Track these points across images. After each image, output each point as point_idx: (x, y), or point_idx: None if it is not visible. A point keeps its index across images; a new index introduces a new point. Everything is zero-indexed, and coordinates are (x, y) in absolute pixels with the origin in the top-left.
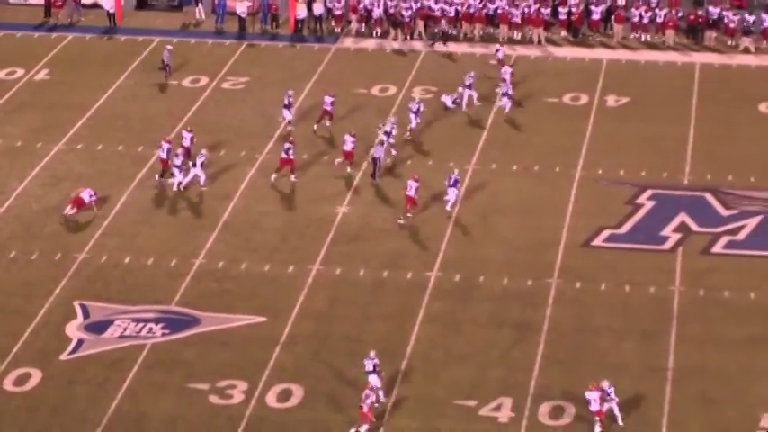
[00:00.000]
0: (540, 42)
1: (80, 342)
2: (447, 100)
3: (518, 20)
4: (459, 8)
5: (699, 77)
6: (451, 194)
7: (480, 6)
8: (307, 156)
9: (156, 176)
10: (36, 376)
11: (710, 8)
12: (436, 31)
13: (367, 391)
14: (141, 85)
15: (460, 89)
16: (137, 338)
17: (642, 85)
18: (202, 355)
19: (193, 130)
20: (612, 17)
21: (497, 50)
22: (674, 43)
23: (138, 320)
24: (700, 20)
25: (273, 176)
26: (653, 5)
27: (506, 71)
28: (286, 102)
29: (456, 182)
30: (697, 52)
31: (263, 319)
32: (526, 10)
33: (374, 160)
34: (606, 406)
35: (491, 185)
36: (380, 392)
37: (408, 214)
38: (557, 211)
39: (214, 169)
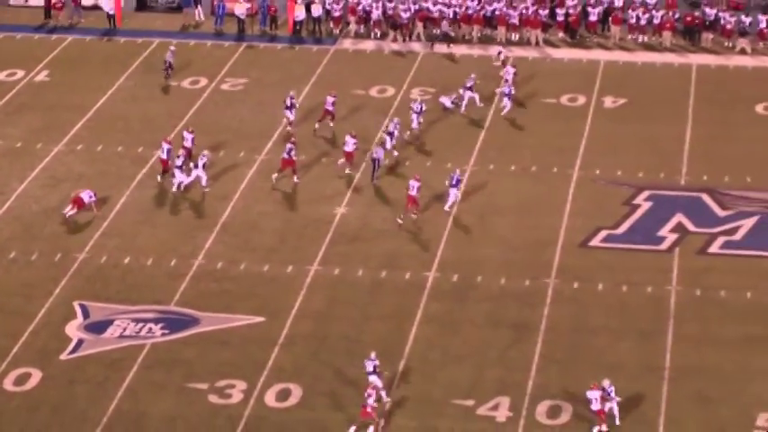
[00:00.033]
0: (537, 44)
1: (80, 342)
2: (446, 100)
3: (516, 21)
4: (457, 10)
5: (696, 78)
6: (452, 194)
7: (478, 8)
8: (305, 156)
9: (158, 177)
10: (36, 376)
11: (707, 10)
12: (438, 33)
13: (369, 391)
14: (141, 86)
15: (461, 90)
16: (136, 338)
17: (639, 86)
18: (202, 354)
19: (194, 130)
20: (610, 19)
21: (499, 52)
22: (670, 44)
23: (137, 320)
24: (696, 21)
25: (275, 176)
26: (650, 7)
27: (509, 71)
28: (288, 103)
29: (458, 182)
30: (694, 53)
31: (261, 319)
32: (524, 11)
33: (374, 161)
34: (607, 405)
35: (489, 186)
36: (383, 392)
37: (412, 214)
38: (554, 211)
39: (213, 170)
